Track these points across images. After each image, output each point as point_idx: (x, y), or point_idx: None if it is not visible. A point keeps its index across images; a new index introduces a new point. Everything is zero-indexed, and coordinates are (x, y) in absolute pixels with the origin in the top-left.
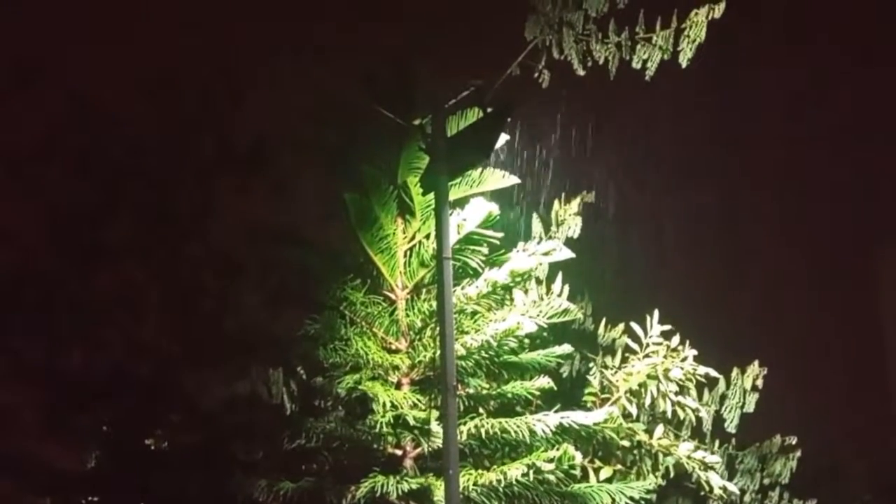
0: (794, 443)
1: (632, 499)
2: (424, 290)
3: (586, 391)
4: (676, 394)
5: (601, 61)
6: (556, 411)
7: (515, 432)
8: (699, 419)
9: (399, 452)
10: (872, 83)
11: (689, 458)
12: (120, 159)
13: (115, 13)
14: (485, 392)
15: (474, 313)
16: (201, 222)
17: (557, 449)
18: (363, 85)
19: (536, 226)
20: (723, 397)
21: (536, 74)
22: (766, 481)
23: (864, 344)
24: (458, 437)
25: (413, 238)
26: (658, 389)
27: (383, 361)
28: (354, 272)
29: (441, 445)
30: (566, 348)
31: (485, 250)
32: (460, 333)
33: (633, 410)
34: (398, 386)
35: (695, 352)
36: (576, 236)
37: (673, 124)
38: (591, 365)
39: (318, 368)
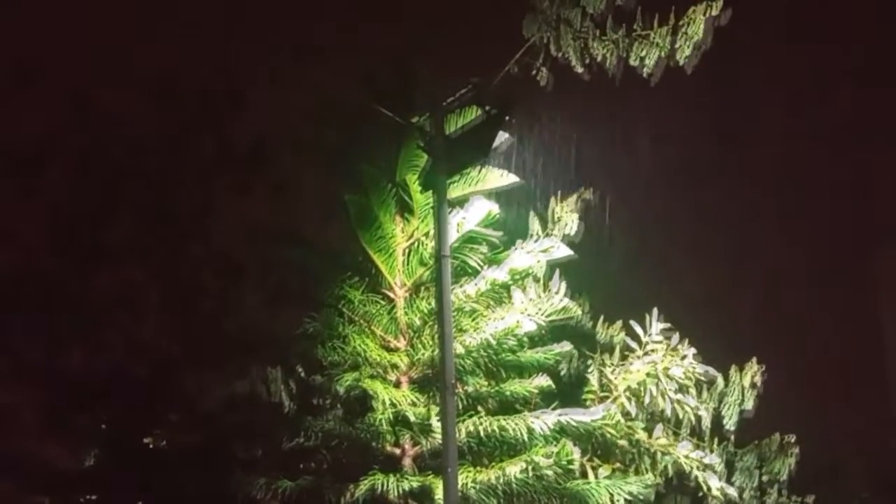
0: (792, 441)
1: (630, 494)
2: (423, 289)
3: (585, 390)
4: (676, 392)
5: (599, 59)
6: (554, 409)
7: (514, 431)
8: (698, 418)
9: (398, 451)
10: (873, 83)
11: (687, 457)
12: (120, 159)
13: (116, 14)
14: (484, 390)
15: (473, 312)
16: (201, 222)
17: (556, 445)
18: (363, 84)
19: (534, 224)
20: (721, 395)
21: (535, 72)
22: (766, 479)
23: (863, 343)
24: (457, 435)
25: (412, 237)
26: (657, 388)
27: (382, 360)
28: (354, 271)
29: (440, 444)
30: (565, 346)
31: (484, 249)
32: (459, 332)
33: (633, 409)
34: (397, 384)
35: (694, 350)
36: (573, 234)
37: (673, 123)
38: (589, 363)
39: (317, 367)
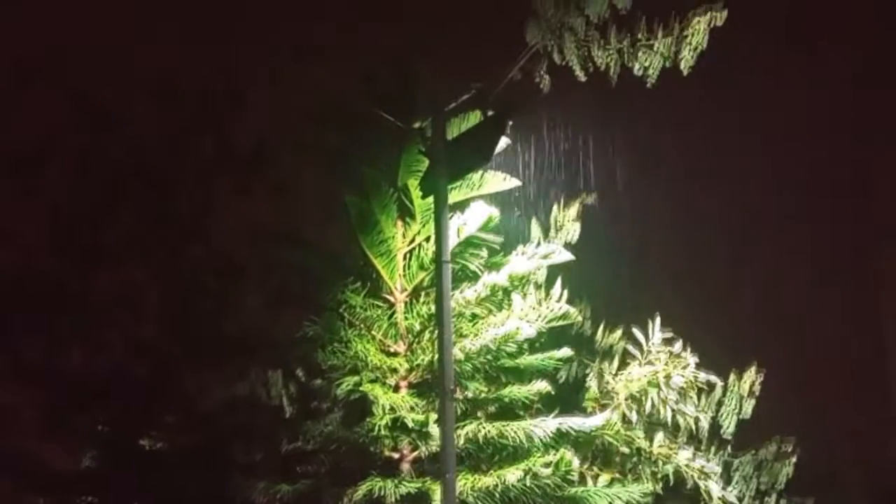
0: (790, 448)
1: (628, 502)
2: (423, 294)
3: (586, 396)
4: (676, 401)
5: (602, 67)
6: (554, 416)
7: (513, 437)
8: (698, 425)
9: (396, 456)
10: (874, 82)
11: (688, 465)
12: (121, 160)
13: (116, 14)
14: (483, 396)
15: (473, 317)
16: (202, 223)
17: (555, 454)
18: (364, 87)
19: (535, 229)
20: (719, 403)
21: (537, 79)
22: (763, 487)
23: (862, 348)
24: (456, 440)
25: (413, 241)
26: (658, 396)
27: (382, 364)
28: (354, 275)
29: (438, 449)
30: (566, 352)
31: (484, 253)
32: (459, 337)
33: (633, 417)
34: (396, 389)
35: (696, 359)
36: (574, 241)
37: (673, 126)
38: (588, 370)
39: (316, 370)
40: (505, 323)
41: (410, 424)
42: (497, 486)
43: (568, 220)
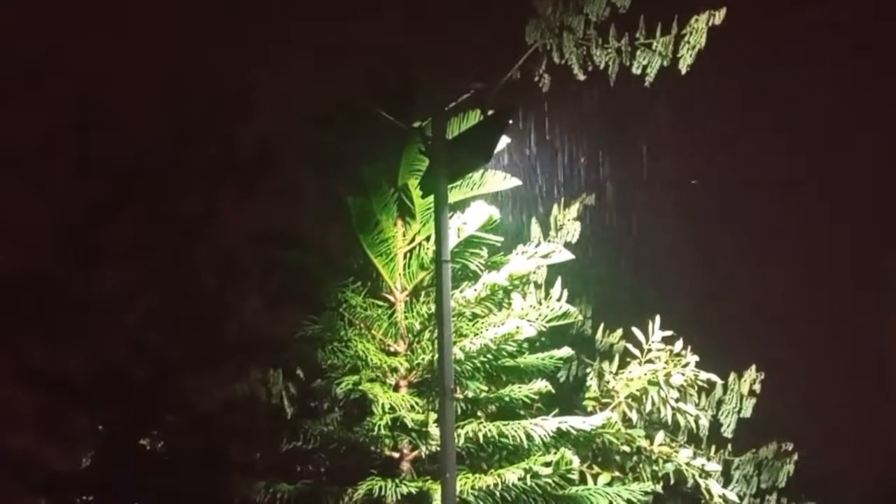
0: (790, 448)
1: (629, 501)
2: (423, 293)
3: (586, 396)
4: (677, 400)
5: (601, 66)
6: (554, 416)
7: (513, 436)
8: (698, 424)
9: (396, 455)
10: (877, 82)
11: (688, 465)
12: (123, 160)
13: (119, 14)
14: (483, 395)
15: (473, 316)
16: (203, 224)
17: (555, 453)
18: (364, 87)
19: (535, 229)
20: (720, 402)
21: (536, 78)
22: (764, 486)
23: (862, 349)
24: (456, 440)
25: (413, 240)
26: (659, 395)
27: (382, 363)
28: (354, 274)
29: (438, 449)
30: (566, 351)
31: (484, 253)
32: (459, 337)
33: (634, 416)
34: (396, 388)
35: (696, 358)
36: (575, 241)
37: (675, 125)
38: (587, 370)
39: (316, 370)
40: (505, 322)
41: (410, 424)
42: (497, 485)
43: (568, 220)
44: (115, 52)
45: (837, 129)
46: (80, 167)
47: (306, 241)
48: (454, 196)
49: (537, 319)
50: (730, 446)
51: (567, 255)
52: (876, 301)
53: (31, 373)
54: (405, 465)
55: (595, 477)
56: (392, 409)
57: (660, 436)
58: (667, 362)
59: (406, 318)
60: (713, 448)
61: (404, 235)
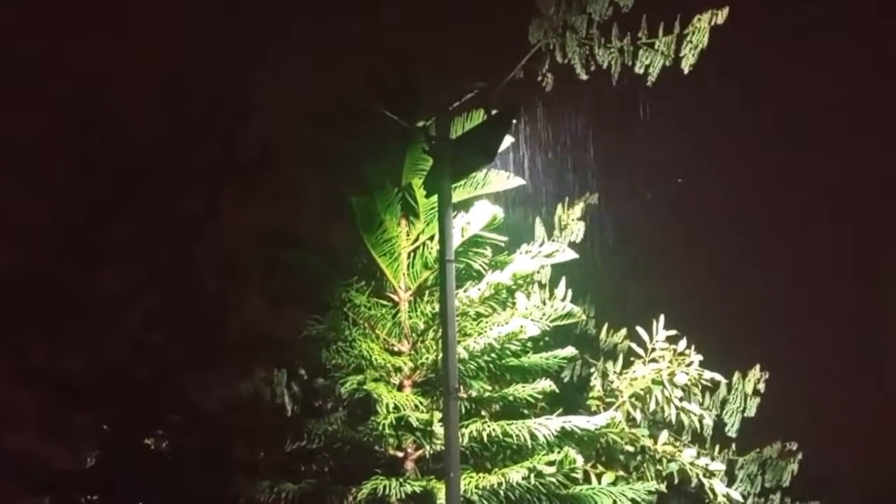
0: (794, 448)
1: (633, 501)
2: (427, 293)
3: (590, 395)
4: (681, 400)
5: (604, 66)
6: (558, 415)
7: (517, 435)
8: (702, 424)
9: (400, 454)
10: (883, 81)
11: (692, 464)
12: (123, 160)
13: (119, 14)
14: (487, 395)
15: (477, 316)
16: (204, 224)
17: (559, 452)
18: (368, 87)
19: (539, 229)
20: (724, 402)
21: (540, 78)
22: (768, 485)
23: (866, 349)
24: (460, 439)
25: (417, 240)
26: (663, 394)
27: (386, 363)
28: (358, 274)
29: (442, 448)
30: (570, 351)
31: (488, 252)
32: (463, 336)
33: (638, 415)
34: (400, 388)
35: (700, 357)
36: (579, 242)
37: (677, 125)
38: (591, 370)
39: (320, 369)
40: (509, 322)
41: (414, 423)
42: (501, 484)
43: (572, 220)
44: (115, 52)
45: (839, 128)
46: (81, 167)
47: (309, 240)
48: (458, 195)
49: (541, 319)
50: (734, 446)
51: (571, 255)
52: (879, 300)
53: (34, 372)
54: (409, 465)
55: (599, 476)
56: (396, 408)
57: (664, 435)
58: (671, 362)
59: (410, 317)
60: (717, 447)
61: (408, 235)
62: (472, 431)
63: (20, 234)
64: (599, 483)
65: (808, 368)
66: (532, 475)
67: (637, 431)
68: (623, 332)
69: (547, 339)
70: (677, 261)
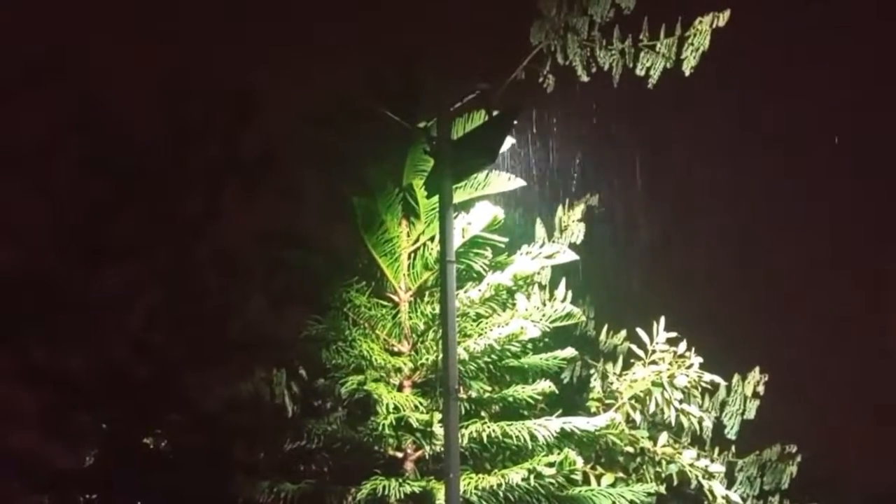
0: (794, 450)
1: (632, 502)
2: (428, 293)
3: (590, 396)
4: (681, 401)
5: (605, 68)
6: (558, 416)
7: (517, 436)
8: (702, 426)
9: (400, 455)
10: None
11: (692, 466)
12: (124, 160)
13: (121, 14)
14: (487, 396)
15: (478, 317)
16: (206, 223)
17: (559, 454)
18: (369, 87)
19: (540, 230)
20: (723, 404)
21: (541, 79)
22: (767, 487)
23: (865, 352)
24: (460, 440)
25: (417, 241)
26: (663, 396)
27: (386, 363)
28: (359, 274)
29: (442, 448)
30: (570, 352)
31: (488, 254)
32: (463, 337)
33: (637, 417)
34: (400, 388)
35: (700, 359)
36: (579, 243)
37: (677, 126)
38: (591, 371)
39: (320, 369)
40: (509, 323)
41: (414, 424)
42: (501, 485)
43: (573, 221)
44: (116, 51)
45: (839, 129)
46: (82, 167)
47: (310, 240)
48: (459, 196)
49: (541, 320)
50: (733, 448)
51: (571, 256)
52: (880, 302)
53: (35, 371)
54: (409, 465)
55: (598, 478)
56: (396, 408)
57: (663, 437)
58: (671, 364)
59: (410, 318)
60: (717, 449)
61: (409, 235)
62: (471, 432)
63: (21, 234)
64: (599, 484)
65: (809, 369)
66: (532, 476)
67: (637, 433)
68: (623, 333)
69: (547, 340)
70: (677, 261)
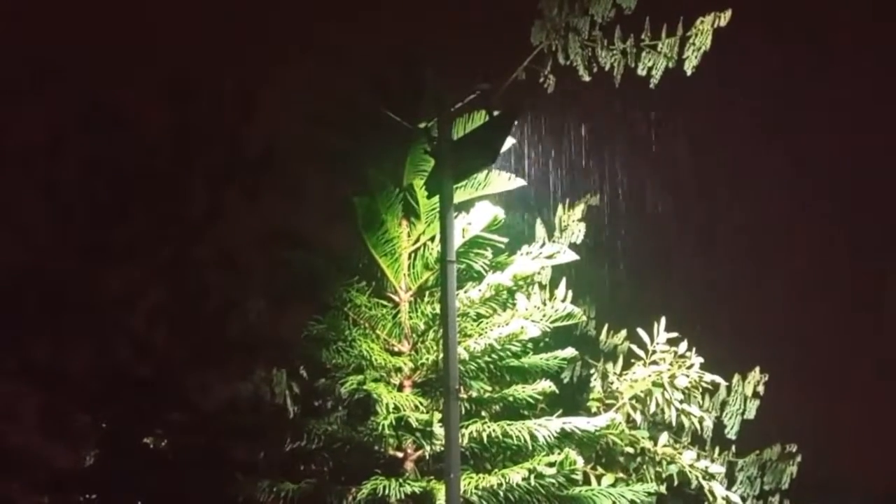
0: (794, 450)
1: (632, 502)
2: (428, 293)
3: (590, 397)
4: (681, 402)
5: (607, 68)
6: (558, 416)
7: (517, 436)
8: (702, 426)
9: (400, 455)
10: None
11: (692, 466)
12: (129, 160)
13: (126, 15)
14: (487, 396)
15: (478, 316)
16: (208, 224)
17: (559, 454)
18: (370, 88)
19: (540, 230)
20: (723, 404)
21: (542, 79)
22: (767, 487)
23: (866, 353)
24: (460, 440)
25: (418, 241)
26: (663, 397)
27: (386, 363)
28: (359, 274)
29: (442, 448)
30: (570, 352)
31: (489, 254)
32: (463, 337)
33: (638, 417)
34: (400, 388)
35: (701, 359)
36: (580, 242)
37: (678, 126)
38: (591, 371)
39: (320, 369)
40: (509, 323)
41: (414, 424)
42: (501, 485)
43: (573, 221)
44: (121, 53)
45: (840, 128)
46: (87, 167)
47: (311, 240)
48: (459, 196)
49: (541, 320)
50: (734, 448)
51: (571, 256)
52: (879, 303)
53: (36, 371)
54: (409, 465)
55: (599, 478)
56: (396, 408)
57: (664, 437)
58: (671, 364)
59: (410, 318)
60: (717, 450)
61: (409, 235)
62: (472, 432)
63: (26, 234)
64: (599, 484)
65: (809, 370)
66: (532, 476)
67: (637, 433)
68: (623, 333)
69: (547, 339)
70: (681, 261)
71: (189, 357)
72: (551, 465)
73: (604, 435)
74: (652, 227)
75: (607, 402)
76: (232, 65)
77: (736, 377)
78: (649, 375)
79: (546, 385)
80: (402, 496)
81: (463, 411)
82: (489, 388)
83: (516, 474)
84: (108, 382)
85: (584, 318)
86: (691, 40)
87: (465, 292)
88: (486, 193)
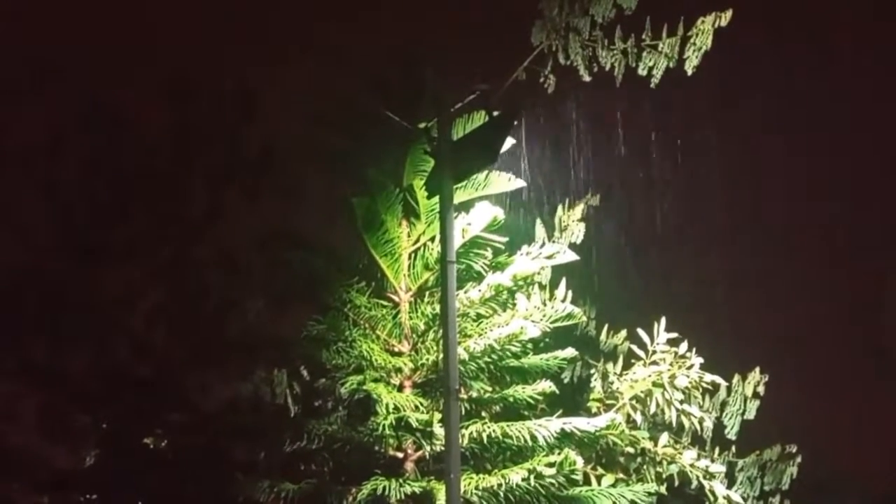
0: (794, 451)
1: (632, 502)
2: (428, 294)
3: (590, 397)
4: (681, 402)
5: (607, 68)
6: (558, 416)
7: (517, 437)
8: (702, 426)
9: (400, 455)
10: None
11: (692, 466)
12: (129, 160)
13: (127, 15)
14: (487, 396)
15: (478, 317)
16: (208, 224)
17: (559, 454)
18: (370, 88)
19: (540, 230)
20: (724, 404)
21: (542, 79)
22: (767, 487)
23: (866, 353)
24: (460, 440)
25: (418, 241)
26: (663, 397)
27: (386, 363)
28: (359, 274)
29: (443, 449)
30: (570, 352)
31: (489, 254)
32: (463, 337)
33: (638, 418)
34: (400, 388)
35: (701, 360)
36: (579, 242)
37: (679, 128)
38: (592, 371)
39: (320, 370)
40: (509, 323)
41: (415, 424)
42: (501, 485)
43: (573, 221)
44: (121, 53)
45: (841, 129)
46: (86, 167)
47: (311, 241)
48: (459, 197)
49: (541, 320)
50: (734, 448)
51: (571, 256)
52: (879, 303)
53: (36, 371)
54: (409, 465)
55: (599, 478)
56: (396, 409)
57: (664, 437)
58: (671, 364)
59: (410, 318)
60: (717, 450)
61: (409, 236)
62: (472, 432)
63: (26, 234)
64: (599, 485)
65: (809, 371)
66: (532, 476)
67: (637, 433)
68: (623, 333)
69: (547, 340)
70: (681, 261)
71: (189, 357)
72: (551, 465)
73: (604, 435)
74: (651, 227)
75: (607, 402)
76: (232, 65)
77: (736, 377)
78: (649, 376)
79: (546, 385)
80: (402, 496)
81: (463, 412)
82: (489, 389)
83: (516, 475)
84: (108, 382)
85: (584, 318)
86: (692, 40)
87: (465, 293)
88: (486, 194)
